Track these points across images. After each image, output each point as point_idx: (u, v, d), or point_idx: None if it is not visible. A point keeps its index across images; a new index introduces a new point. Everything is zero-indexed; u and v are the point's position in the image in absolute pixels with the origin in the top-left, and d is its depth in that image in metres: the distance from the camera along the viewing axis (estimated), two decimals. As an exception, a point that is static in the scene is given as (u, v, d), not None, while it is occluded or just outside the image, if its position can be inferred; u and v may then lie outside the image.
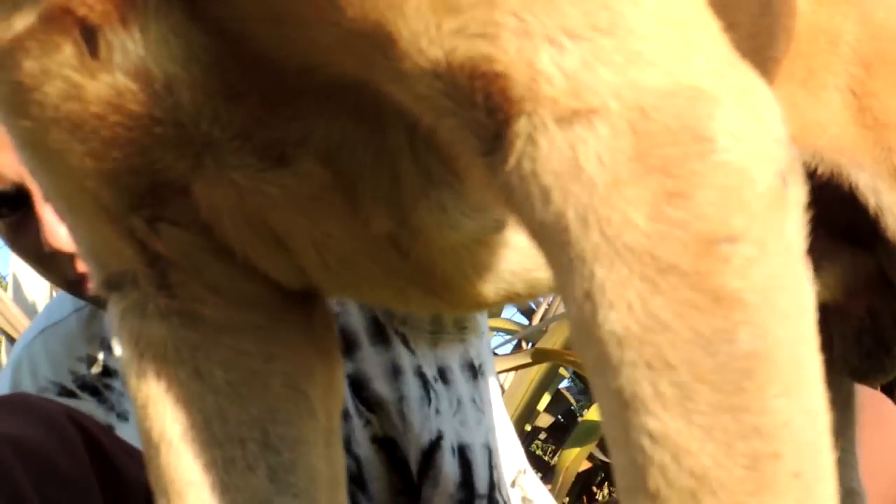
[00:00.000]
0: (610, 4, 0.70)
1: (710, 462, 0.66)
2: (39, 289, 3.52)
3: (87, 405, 1.76)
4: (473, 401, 1.75)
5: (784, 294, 0.69)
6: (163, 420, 0.95)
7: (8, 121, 0.90)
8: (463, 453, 1.72)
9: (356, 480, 1.68)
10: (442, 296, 0.99)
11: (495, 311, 4.08)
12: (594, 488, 3.92)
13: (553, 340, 3.26)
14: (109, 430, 1.72)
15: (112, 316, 0.97)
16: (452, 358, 1.73)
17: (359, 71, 0.77)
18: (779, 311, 0.68)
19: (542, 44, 0.69)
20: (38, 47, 0.83)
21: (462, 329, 1.71)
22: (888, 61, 1.31)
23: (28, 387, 1.78)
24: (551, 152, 0.69)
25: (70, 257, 1.57)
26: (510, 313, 4.47)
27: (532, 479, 1.86)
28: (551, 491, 3.05)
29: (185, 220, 0.91)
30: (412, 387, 1.69)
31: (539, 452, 4.32)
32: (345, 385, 1.44)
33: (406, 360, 1.69)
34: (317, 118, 0.84)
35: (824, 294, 1.42)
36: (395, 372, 1.69)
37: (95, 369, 1.77)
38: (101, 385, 1.77)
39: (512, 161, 0.70)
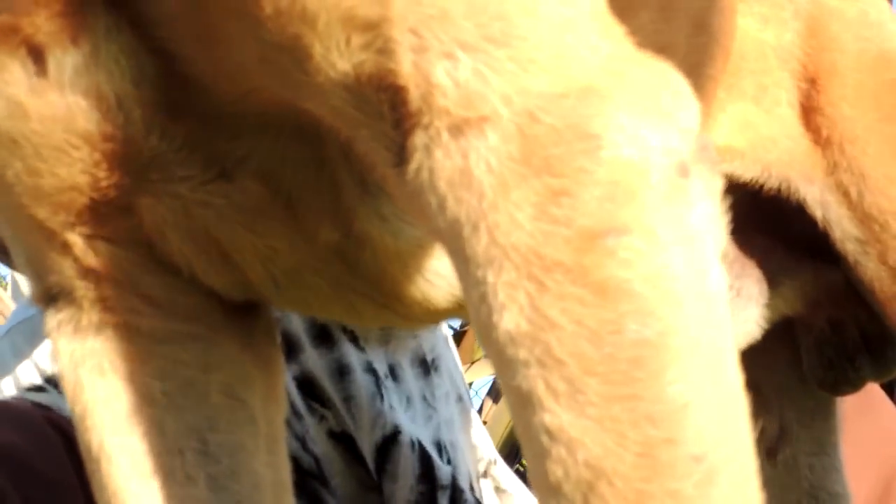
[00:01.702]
0: (504, 15, 0.71)
1: (602, 452, 0.67)
2: (39, 290, 3.52)
3: (53, 398, 1.74)
4: (424, 398, 1.75)
5: (679, 282, 0.69)
6: (101, 433, 0.94)
7: None
8: (422, 447, 1.72)
9: (318, 477, 1.68)
10: (393, 307, 0.99)
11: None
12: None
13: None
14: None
15: (48, 327, 0.98)
16: (403, 354, 1.73)
17: (283, 91, 0.79)
18: (672, 299, 0.68)
19: (437, 58, 0.70)
20: None
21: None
22: (837, 73, 1.32)
23: (3, 387, 1.78)
24: (445, 162, 0.70)
25: None
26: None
27: (504, 469, 1.86)
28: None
29: (122, 238, 0.92)
30: (361, 384, 1.68)
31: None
32: (292, 387, 1.42)
33: (354, 358, 1.68)
34: (258, 138, 0.86)
35: (783, 307, 1.42)
36: (341, 371, 1.68)
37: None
38: None
39: (412, 171, 0.72)
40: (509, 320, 0.68)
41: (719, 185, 0.75)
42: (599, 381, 0.67)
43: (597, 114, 0.69)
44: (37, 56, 0.83)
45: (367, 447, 1.68)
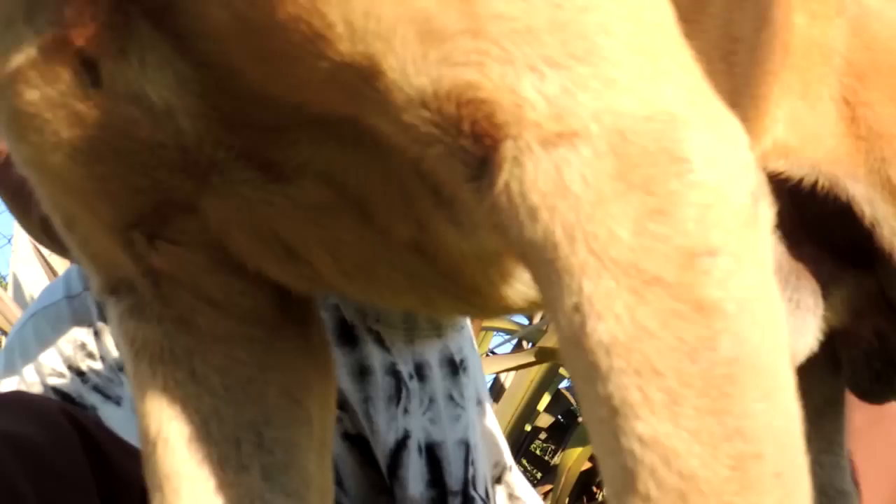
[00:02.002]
0: (586, 34, 0.73)
1: (697, 463, 0.69)
2: (39, 288, 3.52)
3: (72, 385, 1.77)
4: (451, 397, 1.75)
5: (759, 304, 0.72)
6: (160, 418, 0.96)
7: (10, 144, 0.93)
8: (431, 451, 1.72)
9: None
10: (469, 300, 1.01)
11: (496, 311, 4.07)
12: (594, 488, 3.92)
13: (554, 340, 3.25)
14: (92, 410, 1.74)
15: (110, 318, 0.99)
16: (431, 353, 1.72)
17: (345, 107, 0.79)
18: (755, 320, 0.72)
19: (523, 71, 0.72)
20: (39, 77, 0.85)
21: (437, 325, 1.71)
22: (881, 71, 1.33)
23: (19, 366, 1.79)
24: (537, 173, 0.72)
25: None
26: (510, 313, 4.47)
27: (519, 477, 1.86)
28: (552, 491, 3.05)
29: (184, 239, 0.93)
30: (381, 386, 1.69)
31: (539, 453, 4.32)
32: None
33: (376, 360, 1.68)
34: (317, 147, 0.86)
35: (833, 319, 1.42)
36: (362, 372, 1.68)
37: (82, 352, 1.77)
38: (87, 367, 1.77)
39: (500, 183, 0.73)
40: (605, 330, 0.70)
41: (772, 215, 0.78)
42: (696, 394, 0.69)
43: (683, 139, 0.72)
44: (90, 67, 0.84)
45: (380, 450, 1.68)
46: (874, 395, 1.50)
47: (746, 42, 1.20)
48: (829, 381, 1.52)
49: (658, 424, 0.69)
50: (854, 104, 1.32)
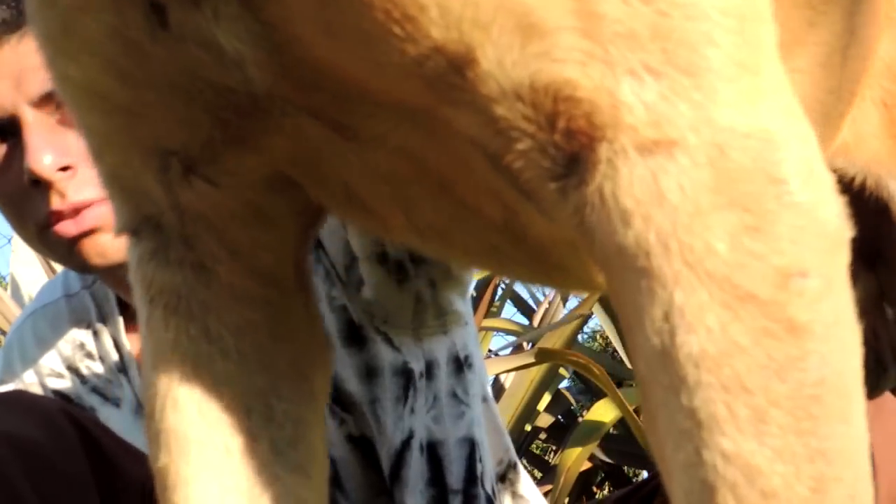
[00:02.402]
0: (691, 44, 0.73)
1: (779, 482, 0.69)
2: (39, 288, 3.51)
3: (71, 386, 1.76)
4: (455, 395, 1.74)
5: (844, 328, 0.73)
6: (170, 375, 0.95)
7: (52, 61, 0.91)
8: (432, 450, 1.71)
9: (333, 481, 1.66)
10: (552, 276, 1.01)
11: (495, 311, 4.08)
12: (594, 488, 3.92)
13: (553, 340, 3.26)
14: (91, 411, 1.72)
15: (130, 259, 0.97)
16: (440, 350, 1.71)
17: (422, 96, 0.78)
18: (840, 343, 0.73)
19: (623, 75, 0.72)
20: (105, 7, 0.84)
21: (443, 321, 1.70)
22: None
23: (18, 367, 1.78)
24: (633, 179, 0.72)
25: (46, 192, 1.55)
26: (510, 313, 4.47)
27: (524, 475, 1.85)
28: (552, 491, 3.05)
29: (225, 182, 0.92)
30: (388, 387, 1.67)
31: (539, 452, 4.32)
32: None
33: (385, 360, 1.67)
34: (392, 125, 0.85)
35: None
36: (370, 373, 1.67)
37: (81, 351, 1.77)
38: (86, 367, 1.76)
39: (593, 184, 0.73)
40: (696, 342, 0.70)
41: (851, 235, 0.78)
42: (783, 413, 0.70)
43: (781, 160, 0.73)
44: (159, 11, 0.83)
45: (384, 452, 1.67)
46: (866, 388, 1.51)
47: (860, 34, 1.19)
48: None
49: (743, 441, 0.69)
50: (892, 107, 1.33)
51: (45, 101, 1.54)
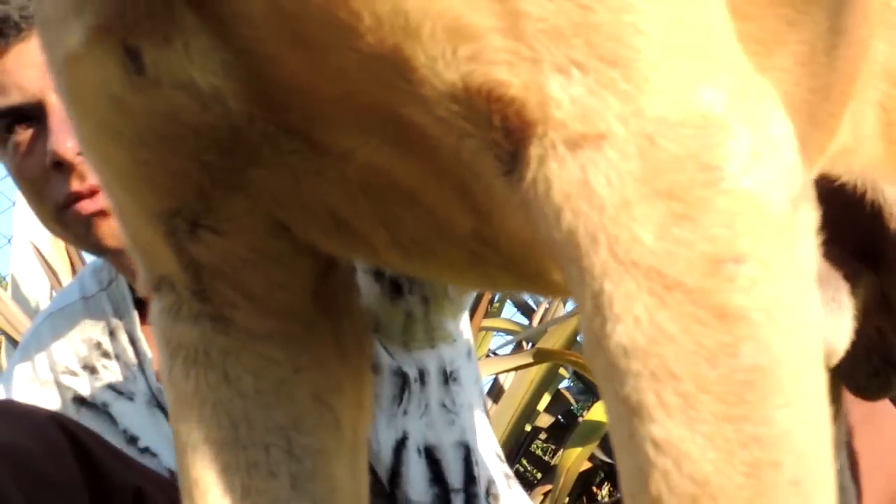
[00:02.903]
0: (618, 36, 0.73)
1: (710, 468, 0.69)
2: (39, 289, 3.52)
3: (84, 384, 1.78)
4: (443, 405, 1.76)
5: (788, 312, 0.72)
6: (190, 422, 0.96)
7: (72, 124, 0.94)
8: (430, 453, 1.73)
9: None
10: (534, 281, 1.00)
11: (495, 311, 4.07)
12: (594, 488, 3.91)
13: (553, 340, 3.25)
14: (104, 407, 1.75)
15: (151, 316, 1.00)
16: (430, 361, 1.73)
17: (382, 98, 0.79)
18: (782, 328, 0.71)
19: (550, 71, 0.73)
20: (86, 64, 0.86)
21: (431, 336, 1.72)
22: None
23: (34, 364, 1.81)
24: (562, 173, 0.72)
25: (67, 174, 1.61)
26: (510, 313, 4.47)
27: (507, 490, 1.86)
28: (552, 491, 3.05)
29: (227, 229, 0.93)
30: (386, 385, 1.69)
31: (539, 452, 4.32)
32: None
33: (385, 360, 1.69)
34: (362, 140, 0.85)
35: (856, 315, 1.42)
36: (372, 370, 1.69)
37: (97, 351, 1.79)
38: (101, 365, 1.79)
39: (528, 181, 0.74)
40: (624, 332, 0.71)
41: (816, 220, 0.78)
42: (713, 400, 0.70)
43: (716, 145, 0.72)
44: (133, 55, 0.84)
45: (382, 451, 1.69)
46: (870, 391, 1.51)
47: (847, 37, 1.19)
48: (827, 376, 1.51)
49: (673, 428, 0.69)
50: (889, 109, 1.32)
51: None
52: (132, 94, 0.86)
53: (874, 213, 1.32)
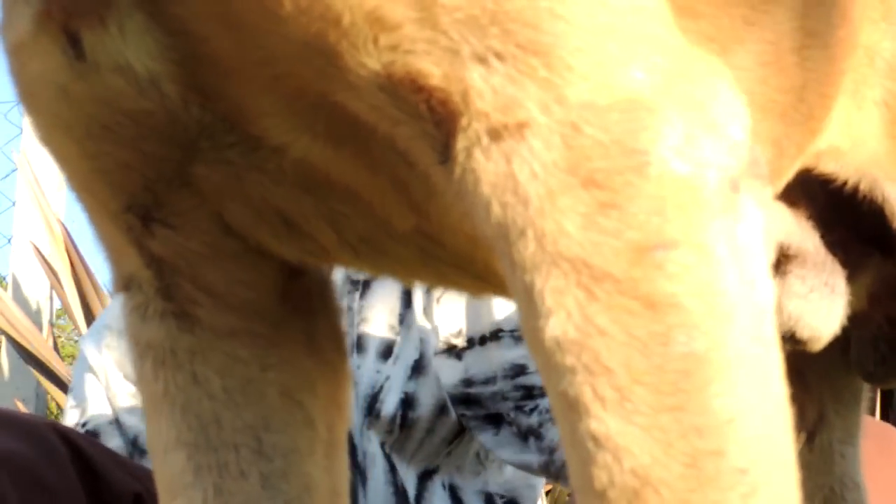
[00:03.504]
0: (535, 23, 0.70)
1: (650, 461, 0.68)
2: (39, 289, 3.52)
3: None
4: (477, 455, 1.82)
5: (726, 296, 0.70)
6: (160, 424, 0.95)
7: (28, 118, 0.92)
8: (454, 491, 1.79)
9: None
10: (488, 280, 0.97)
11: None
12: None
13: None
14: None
15: (122, 316, 0.98)
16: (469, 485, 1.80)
17: (315, 83, 0.77)
18: (720, 314, 0.69)
19: (470, 61, 0.71)
20: (32, 52, 0.84)
21: (479, 464, 1.78)
22: None
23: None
24: (487, 165, 0.70)
25: None
26: (512, 312, 4.46)
27: None
28: (552, 491, 3.04)
29: (177, 221, 0.91)
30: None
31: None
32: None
33: None
34: (293, 137, 0.84)
35: (855, 302, 1.42)
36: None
37: None
38: None
39: (457, 173, 0.72)
40: (556, 326, 0.69)
41: (769, 197, 0.76)
42: (648, 391, 0.68)
43: (643, 128, 0.70)
44: (74, 40, 0.82)
45: (408, 475, 1.73)
46: (877, 377, 1.50)
47: (821, 38, 1.16)
48: (846, 365, 1.51)
49: (610, 422, 0.68)
50: (894, 107, 1.30)
51: None
52: (75, 82, 0.84)
53: (873, 212, 1.32)
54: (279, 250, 0.94)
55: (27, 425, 1.48)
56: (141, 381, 0.96)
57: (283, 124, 0.83)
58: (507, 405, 1.69)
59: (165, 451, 0.94)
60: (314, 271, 1.00)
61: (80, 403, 1.89)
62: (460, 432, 1.75)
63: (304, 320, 0.98)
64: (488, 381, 1.72)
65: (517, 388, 1.68)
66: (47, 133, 0.89)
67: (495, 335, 1.69)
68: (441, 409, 1.73)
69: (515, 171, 0.70)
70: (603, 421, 0.68)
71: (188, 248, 0.92)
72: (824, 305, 1.33)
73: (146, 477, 1.55)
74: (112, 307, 1.91)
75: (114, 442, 1.84)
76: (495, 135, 0.70)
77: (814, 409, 1.53)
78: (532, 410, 1.65)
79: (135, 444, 1.83)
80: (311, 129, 0.82)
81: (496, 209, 0.70)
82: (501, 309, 1.71)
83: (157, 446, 0.95)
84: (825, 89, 1.19)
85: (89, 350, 1.91)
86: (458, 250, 0.91)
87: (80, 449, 1.49)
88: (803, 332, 1.31)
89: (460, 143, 0.71)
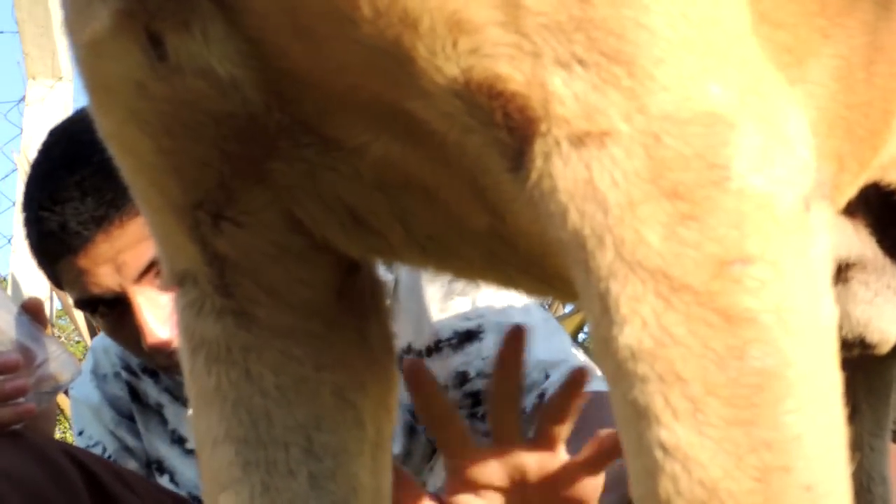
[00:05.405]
0: (619, 31, 0.71)
1: (720, 473, 0.68)
2: (39, 289, 3.49)
3: (144, 384, 1.84)
4: None
5: (799, 314, 0.70)
6: (210, 419, 0.95)
7: (93, 115, 0.93)
8: None
9: None
10: (553, 284, 0.97)
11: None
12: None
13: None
14: (158, 408, 1.82)
15: (175, 310, 0.98)
16: None
17: (387, 91, 0.77)
18: (793, 330, 0.70)
19: (553, 66, 0.71)
20: (110, 51, 0.85)
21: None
22: None
23: (105, 366, 1.87)
24: (566, 171, 0.71)
25: (168, 350, 1.61)
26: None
27: None
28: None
29: (248, 221, 0.92)
30: (422, 444, 1.74)
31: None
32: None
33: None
34: (372, 135, 0.83)
35: None
36: (412, 430, 1.73)
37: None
38: (161, 371, 1.83)
39: (533, 179, 0.72)
40: (630, 334, 0.69)
41: (832, 216, 0.76)
42: (721, 404, 0.68)
43: (724, 143, 0.70)
44: (156, 41, 0.83)
45: None
46: None
47: (889, 53, 1.15)
48: (881, 359, 1.50)
49: (681, 432, 0.68)
50: None
51: (144, 274, 1.61)
52: (155, 81, 0.84)
53: None
54: (345, 246, 0.94)
55: (39, 447, 1.48)
56: (191, 376, 0.97)
57: (361, 127, 0.83)
58: (461, 414, 1.68)
59: (214, 445, 0.94)
60: (368, 272, 1.00)
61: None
62: (436, 448, 1.74)
63: (358, 320, 0.99)
64: None
65: (465, 395, 1.68)
66: (119, 127, 0.90)
67: (437, 346, 1.70)
68: (411, 431, 1.73)
69: (595, 179, 0.70)
70: (674, 430, 0.68)
71: (254, 247, 0.93)
72: (889, 308, 1.35)
73: (159, 496, 1.54)
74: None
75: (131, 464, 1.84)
76: (576, 141, 0.70)
77: (847, 401, 1.51)
78: (484, 416, 1.63)
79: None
80: (389, 130, 0.82)
81: (573, 216, 0.70)
82: (437, 317, 1.71)
83: (206, 440, 0.95)
84: (889, 105, 1.18)
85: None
86: (530, 253, 0.91)
87: (91, 472, 1.51)
88: (873, 336, 1.33)
89: (538, 149, 0.71)
